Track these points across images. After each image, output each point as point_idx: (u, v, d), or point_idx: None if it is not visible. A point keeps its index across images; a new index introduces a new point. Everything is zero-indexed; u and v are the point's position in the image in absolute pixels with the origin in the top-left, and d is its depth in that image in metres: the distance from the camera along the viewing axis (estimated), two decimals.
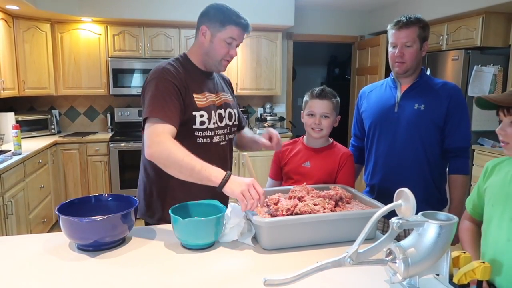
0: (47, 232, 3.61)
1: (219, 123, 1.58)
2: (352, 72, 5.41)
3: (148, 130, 1.36)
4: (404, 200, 0.98)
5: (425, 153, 1.74)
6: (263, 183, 4.78)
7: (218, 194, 1.29)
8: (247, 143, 1.79)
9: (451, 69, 3.68)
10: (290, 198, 1.39)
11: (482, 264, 0.95)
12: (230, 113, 1.64)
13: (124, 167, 4.14)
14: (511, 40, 3.49)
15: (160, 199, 1.55)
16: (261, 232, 1.24)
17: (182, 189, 1.46)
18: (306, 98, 1.81)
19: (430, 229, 0.96)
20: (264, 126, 4.76)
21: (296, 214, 1.26)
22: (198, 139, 1.52)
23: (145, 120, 1.41)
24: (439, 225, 0.95)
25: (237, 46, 1.55)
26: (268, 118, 4.83)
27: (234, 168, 4.41)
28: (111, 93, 4.33)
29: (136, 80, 4.32)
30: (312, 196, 1.40)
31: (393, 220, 0.97)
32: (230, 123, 1.64)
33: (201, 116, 1.50)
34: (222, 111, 1.60)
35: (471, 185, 3.05)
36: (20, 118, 4.02)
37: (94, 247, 1.21)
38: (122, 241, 1.27)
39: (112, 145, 4.12)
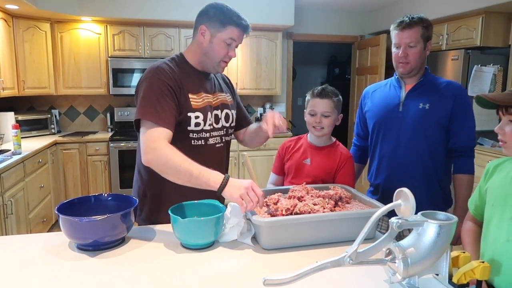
0: (47, 231, 3.61)
1: (215, 125, 1.54)
2: (352, 72, 5.41)
3: (144, 136, 1.35)
4: (404, 200, 0.98)
5: (430, 152, 1.73)
6: (263, 183, 4.78)
7: (212, 196, 1.29)
8: (252, 135, 1.73)
9: (451, 69, 3.68)
10: (289, 198, 1.39)
11: (481, 264, 0.95)
12: (227, 114, 1.60)
13: (123, 167, 4.14)
14: (511, 40, 3.49)
15: (154, 202, 1.52)
16: (260, 232, 1.24)
17: (176, 192, 1.41)
18: (308, 97, 1.82)
19: (429, 229, 0.96)
20: None
21: (296, 214, 1.26)
22: (192, 141, 1.49)
23: (137, 121, 1.39)
24: (438, 225, 0.95)
25: (236, 47, 1.52)
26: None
27: (234, 168, 4.41)
28: (111, 93, 4.33)
29: (136, 80, 4.32)
30: (311, 196, 1.40)
31: (393, 220, 0.97)
32: (227, 125, 1.60)
33: (196, 117, 1.47)
34: (218, 112, 1.56)
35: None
36: (20, 117, 4.02)
37: (94, 247, 1.21)
38: (121, 241, 1.27)
39: (112, 144, 4.12)
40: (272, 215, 1.27)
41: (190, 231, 1.21)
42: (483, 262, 0.96)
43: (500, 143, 1.18)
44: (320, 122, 1.74)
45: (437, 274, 1.01)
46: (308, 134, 1.87)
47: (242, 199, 1.22)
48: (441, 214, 1.00)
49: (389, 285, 1.02)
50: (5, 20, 3.60)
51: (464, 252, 1.02)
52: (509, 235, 1.12)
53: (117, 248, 1.23)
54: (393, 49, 1.76)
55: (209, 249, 1.24)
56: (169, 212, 1.24)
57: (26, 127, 4.06)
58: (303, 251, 1.22)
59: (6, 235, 2.74)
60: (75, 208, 1.29)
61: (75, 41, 4.22)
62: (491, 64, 3.59)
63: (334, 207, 1.35)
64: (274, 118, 1.47)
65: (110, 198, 1.39)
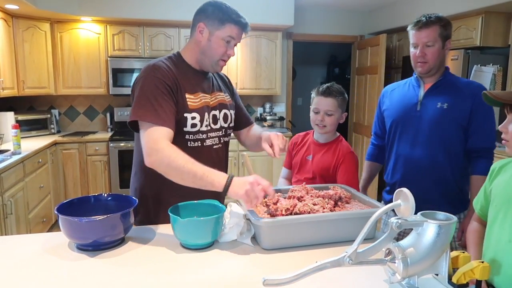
0: (47, 231, 3.61)
1: (212, 125, 1.52)
2: (352, 71, 5.41)
3: (144, 137, 1.33)
4: (403, 200, 0.98)
5: (447, 152, 1.72)
6: None
7: (211, 196, 1.28)
8: (252, 142, 1.71)
9: (451, 69, 3.66)
10: (289, 198, 1.39)
11: (481, 264, 0.95)
12: (225, 114, 1.58)
13: (123, 167, 4.13)
14: (510, 40, 3.49)
15: (151, 204, 1.51)
16: (260, 232, 1.24)
17: (173, 193, 1.40)
18: (313, 94, 1.84)
19: (429, 229, 0.96)
20: (264, 126, 4.76)
21: (296, 214, 1.26)
22: (188, 142, 1.46)
23: (134, 122, 1.37)
24: (438, 225, 0.95)
25: (235, 45, 1.50)
26: (268, 117, 4.83)
27: (234, 168, 4.41)
28: (110, 93, 4.33)
29: None
30: (311, 196, 1.40)
31: (392, 220, 0.97)
32: (226, 125, 1.58)
33: (193, 118, 1.44)
34: (216, 112, 1.54)
35: None
36: (20, 117, 4.02)
37: (94, 247, 1.21)
38: (121, 241, 1.27)
39: (111, 144, 4.12)
40: (272, 215, 1.27)
41: (190, 231, 1.21)
42: (482, 262, 0.96)
43: (503, 141, 1.17)
44: (323, 120, 1.76)
45: (437, 274, 1.01)
46: (314, 131, 1.89)
47: (248, 196, 1.20)
48: (441, 214, 1.00)
49: (389, 285, 1.02)
50: (5, 20, 3.60)
51: (463, 252, 1.02)
52: (511, 235, 1.12)
53: (117, 248, 1.23)
54: (411, 49, 1.76)
55: (209, 249, 1.24)
56: (169, 212, 1.24)
57: (26, 127, 4.06)
58: (303, 251, 1.22)
59: (5, 235, 2.74)
60: (75, 208, 1.29)
61: (75, 41, 4.22)
62: (491, 64, 3.59)
63: (334, 207, 1.35)
64: (279, 141, 1.48)
65: (109, 198, 1.39)
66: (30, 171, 3.29)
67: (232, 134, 1.68)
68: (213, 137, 1.53)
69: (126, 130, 4.44)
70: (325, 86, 1.79)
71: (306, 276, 0.93)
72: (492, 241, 1.20)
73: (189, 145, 1.46)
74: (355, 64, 5.27)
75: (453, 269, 1.00)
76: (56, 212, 1.20)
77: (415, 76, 1.83)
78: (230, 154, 1.72)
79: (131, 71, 4.30)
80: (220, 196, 1.29)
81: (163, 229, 1.38)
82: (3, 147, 3.40)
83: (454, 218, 0.98)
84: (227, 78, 1.73)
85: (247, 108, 5.01)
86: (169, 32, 4.38)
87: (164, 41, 4.38)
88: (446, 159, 1.72)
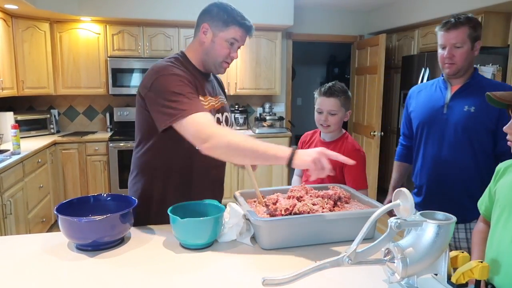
0: (46, 231, 3.61)
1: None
2: (351, 71, 5.41)
3: (190, 128, 1.27)
4: (402, 200, 0.99)
5: (475, 157, 1.70)
6: (263, 184, 4.80)
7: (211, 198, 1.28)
8: None
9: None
10: (289, 197, 1.39)
11: (480, 264, 0.95)
12: (226, 117, 1.59)
13: (123, 167, 4.13)
14: (509, 40, 3.49)
15: (153, 205, 1.49)
16: (260, 232, 1.24)
17: (176, 195, 1.41)
18: (316, 94, 1.86)
19: (428, 229, 0.96)
20: (263, 126, 4.76)
21: (295, 213, 1.26)
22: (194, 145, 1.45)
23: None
24: (437, 225, 0.95)
25: (239, 48, 1.49)
26: (268, 117, 4.83)
27: (233, 169, 4.41)
28: (110, 93, 4.33)
29: (135, 80, 4.32)
30: (311, 195, 1.40)
31: (392, 220, 0.97)
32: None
33: None
34: (220, 115, 1.55)
35: None
36: (19, 117, 4.01)
37: (93, 247, 1.21)
38: (121, 241, 1.27)
39: (111, 144, 4.11)
40: (271, 215, 1.27)
41: (189, 231, 1.21)
42: (481, 262, 0.96)
43: (509, 142, 1.17)
44: (327, 120, 1.78)
45: (436, 274, 1.01)
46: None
47: (315, 164, 1.15)
48: (440, 214, 1.00)
49: (388, 285, 1.02)
50: (4, 20, 3.59)
51: (462, 252, 1.02)
52: None
53: (116, 248, 1.23)
54: (439, 50, 1.74)
55: (208, 249, 1.24)
56: (168, 212, 1.24)
57: (25, 127, 4.05)
58: (302, 251, 1.22)
59: (5, 235, 2.74)
60: (74, 208, 1.29)
61: (74, 41, 4.22)
62: (490, 64, 3.59)
63: (333, 207, 1.35)
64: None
65: (109, 198, 1.39)
66: (29, 171, 3.29)
67: None
68: None
69: (126, 130, 4.46)
70: (327, 86, 1.80)
71: (306, 276, 0.93)
72: (494, 242, 1.20)
73: (193, 148, 1.44)
74: (354, 64, 5.27)
75: (453, 269, 1.00)
76: (55, 212, 1.20)
77: (442, 78, 1.81)
78: None
79: (131, 71, 4.30)
80: (219, 196, 1.29)
81: (163, 229, 1.38)
82: (2, 147, 3.40)
83: (453, 218, 0.98)
84: (220, 79, 1.73)
85: (246, 108, 5.02)
86: (169, 32, 4.38)
87: (164, 41, 4.38)
88: (473, 162, 1.70)
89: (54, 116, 4.40)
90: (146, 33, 4.34)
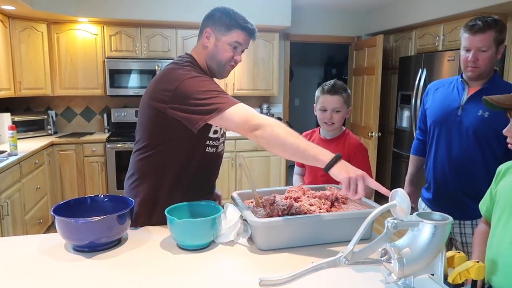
0: (43, 233, 3.60)
1: (222, 132, 1.55)
2: (349, 72, 5.42)
3: (238, 117, 1.27)
4: (399, 200, 0.99)
5: (484, 158, 1.70)
6: (260, 184, 4.79)
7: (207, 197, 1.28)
8: None
9: (447, 70, 3.69)
10: (286, 198, 1.39)
11: (476, 264, 0.95)
12: None
13: (120, 168, 4.13)
14: (507, 41, 3.51)
15: (153, 209, 1.48)
16: (257, 233, 1.24)
17: (170, 199, 1.40)
18: (318, 93, 1.87)
19: (424, 229, 0.97)
20: None
21: (292, 214, 1.26)
22: (207, 148, 1.47)
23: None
24: (433, 225, 0.96)
25: (242, 52, 1.50)
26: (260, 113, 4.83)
27: (231, 169, 4.41)
28: (107, 94, 4.32)
29: (133, 81, 4.32)
30: (308, 196, 1.41)
31: (388, 220, 0.98)
32: (225, 132, 1.60)
33: (216, 125, 1.43)
34: None
35: None
36: (16, 118, 4.00)
37: (90, 248, 1.20)
38: (118, 242, 1.27)
39: (108, 145, 4.11)
40: (269, 216, 1.27)
41: (187, 232, 1.21)
42: (478, 262, 0.96)
43: (510, 145, 1.16)
44: (331, 117, 1.80)
45: (433, 274, 1.01)
46: (320, 128, 1.93)
47: (348, 183, 1.14)
48: (436, 215, 1.00)
49: (385, 285, 1.02)
50: (2, 21, 3.59)
51: (459, 252, 1.02)
52: None
53: (113, 249, 1.23)
54: (462, 52, 1.71)
55: (206, 250, 1.23)
56: (165, 212, 1.24)
57: (23, 128, 4.05)
58: (299, 252, 1.22)
59: (1, 236, 2.73)
60: (71, 209, 1.29)
61: (72, 42, 4.21)
62: None
63: (330, 207, 1.36)
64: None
65: (106, 199, 1.39)
66: (26, 172, 3.28)
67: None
68: (222, 143, 1.56)
69: (123, 131, 4.46)
70: (330, 84, 1.82)
71: (302, 277, 0.93)
72: (494, 243, 1.20)
73: (207, 150, 1.48)
74: (352, 65, 5.28)
75: (449, 269, 1.00)
76: (52, 213, 1.20)
77: (461, 78, 1.79)
78: (227, 154, 1.74)
79: (128, 72, 4.29)
80: (212, 197, 1.29)
81: (160, 230, 1.38)
82: None
83: (450, 218, 0.98)
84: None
85: None
86: (166, 33, 4.37)
87: (161, 42, 4.38)
88: (482, 162, 1.71)
89: (52, 117, 4.39)
90: (143, 34, 4.33)
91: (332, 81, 1.85)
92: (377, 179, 4.87)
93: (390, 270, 0.97)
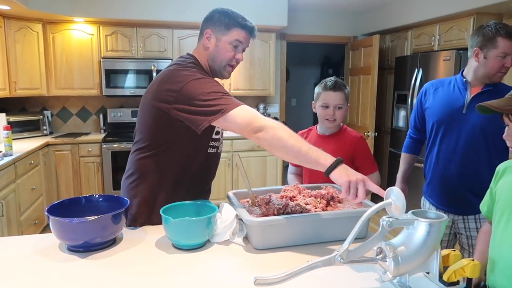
0: (39, 233, 3.58)
1: (222, 133, 1.56)
2: (345, 72, 5.43)
3: (242, 118, 1.28)
4: (394, 198, 0.99)
5: (488, 152, 1.75)
6: (257, 184, 4.79)
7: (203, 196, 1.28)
8: None
9: (443, 69, 3.70)
10: (281, 197, 1.38)
11: (471, 262, 0.96)
12: None
13: (117, 168, 4.11)
14: None
15: (153, 209, 1.46)
16: (252, 232, 1.24)
17: (171, 199, 1.39)
18: (318, 89, 1.86)
19: (420, 228, 0.97)
20: None
21: (288, 213, 1.26)
22: (209, 148, 1.49)
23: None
24: (428, 223, 0.96)
25: (243, 50, 1.50)
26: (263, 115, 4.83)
27: (227, 169, 4.41)
28: (103, 94, 4.30)
29: (129, 81, 4.30)
30: (303, 195, 1.40)
31: (383, 218, 0.98)
32: (223, 132, 1.61)
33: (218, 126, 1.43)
34: None
35: None
36: (12, 119, 3.98)
37: (85, 248, 1.20)
38: (112, 242, 1.26)
39: (104, 146, 4.09)
40: (264, 215, 1.27)
41: (182, 232, 1.21)
42: (473, 260, 0.96)
43: (511, 149, 1.16)
44: (334, 114, 1.80)
45: (428, 272, 1.01)
46: (318, 126, 1.93)
47: (349, 187, 1.14)
48: (431, 213, 1.00)
49: (380, 284, 1.02)
50: None
51: (454, 250, 1.02)
52: None
53: (108, 249, 1.22)
54: (497, 57, 1.72)
55: (201, 249, 1.23)
56: (160, 212, 1.24)
57: (18, 128, 4.03)
58: (295, 251, 1.22)
59: None
60: (66, 209, 1.28)
61: (68, 42, 4.19)
62: None
63: (326, 206, 1.36)
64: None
65: (101, 199, 1.38)
66: (22, 173, 3.26)
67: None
68: (221, 143, 1.58)
69: (120, 131, 4.45)
70: (332, 80, 1.82)
71: (298, 275, 0.93)
72: (496, 244, 1.20)
73: (208, 151, 1.49)
74: (348, 65, 5.29)
75: (444, 267, 1.00)
76: (46, 213, 1.19)
77: (464, 79, 1.85)
78: (223, 155, 1.74)
79: (124, 72, 4.28)
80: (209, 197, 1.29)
81: (155, 229, 1.38)
82: None
83: (445, 217, 0.98)
84: None
85: None
86: (162, 33, 4.37)
87: (158, 42, 4.37)
88: (486, 156, 1.76)
89: (47, 117, 4.37)
90: (139, 34, 4.32)
91: (332, 78, 1.85)
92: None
93: (386, 269, 0.97)
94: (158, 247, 1.24)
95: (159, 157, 1.44)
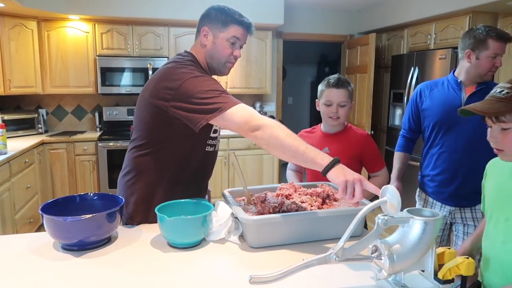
0: (34, 232, 3.56)
1: (219, 131, 1.55)
2: (341, 71, 5.43)
3: (240, 117, 1.27)
4: (389, 197, 0.99)
5: (490, 155, 1.78)
6: (253, 182, 4.78)
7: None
8: None
9: (439, 68, 3.71)
10: (277, 196, 1.38)
11: (466, 260, 0.96)
12: None
13: (112, 167, 4.10)
14: None
15: (151, 206, 1.44)
16: (248, 230, 1.23)
17: (168, 197, 1.39)
18: (322, 87, 1.85)
19: (415, 226, 0.97)
20: None
21: (283, 211, 1.25)
22: (207, 147, 1.49)
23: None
24: (423, 221, 0.96)
25: (241, 47, 1.50)
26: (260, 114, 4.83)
27: (224, 167, 4.40)
28: (99, 92, 4.28)
29: (125, 79, 4.28)
30: (299, 193, 1.40)
31: (379, 216, 0.97)
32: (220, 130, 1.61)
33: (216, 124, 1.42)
34: None
35: None
36: (6, 117, 3.95)
37: (79, 247, 1.19)
38: (107, 241, 1.25)
39: (100, 144, 4.07)
40: (260, 213, 1.27)
41: (177, 230, 1.20)
42: (467, 258, 0.97)
43: (496, 151, 1.15)
44: (337, 112, 1.78)
45: (423, 270, 1.02)
46: (322, 124, 1.91)
47: (346, 186, 1.13)
48: (427, 211, 1.00)
49: (376, 282, 1.02)
50: None
51: (449, 248, 1.03)
52: (505, 236, 1.13)
53: (103, 248, 1.22)
54: (489, 58, 1.84)
55: (196, 248, 1.23)
56: (156, 210, 1.23)
57: (13, 126, 4.00)
58: (290, 249, 1.22)
59: None
60: (60, 207, 1.27)
61: (63, 40, 4.17)
62: None
63: (322, 204, 1.35)
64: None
65: (95, 197, 1.38)
66: (16, 171, 3.24)
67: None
68: (218, 141, 1.57)
69: (115, 130, 4.43)
70: (335, 78, 1.81)
71: (293, 274, 0.93)
72: (488, 241, 1.21)
73: (206, 149, 1.49)
74: (345, 64, 5.29)
75: (439, 265, 1.01)
76: (40, 212, 1.18)
77: (457, 79, 1.94)
78: (220, 153, 1.73)
79: (120, 70, 4.26)
80: (206, 195, 1.28)
81: (150, 228, 1.37)
82: None
83: (440, 215, 0.98)
84: None
85: None
86: (158, 31, 4.35)
87: (153, 40, 4.35)
88: (487, 150, 1.81)
89: (42, 115, 4.34)
90: (135, 32, 4.30)
91: (336, 75, 1.84)
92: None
93: (381, 267, 0.97)
94: (153, 246, 1.24)
95: (156, 155, 1.44)
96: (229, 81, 4.64)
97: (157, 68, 1.48)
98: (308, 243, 1.26)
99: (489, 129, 1.14)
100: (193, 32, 1.56)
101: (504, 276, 1.12)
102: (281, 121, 5.18)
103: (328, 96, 1.80)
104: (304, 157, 1.21)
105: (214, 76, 1.52)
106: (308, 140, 1.85)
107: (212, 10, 1.47)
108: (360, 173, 1.74)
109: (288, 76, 6.84)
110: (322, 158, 1.19)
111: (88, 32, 4.22)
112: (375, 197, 1.05)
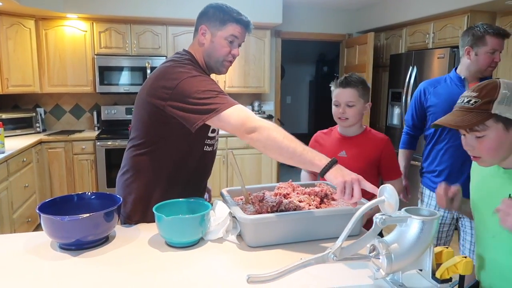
0: (32, 232, 3.55)
1: (217, 131, 1.54)
2: (340, 70, 5.43)
3: (236, 119, 1.27)
4: (387, 196, 0.99)
5: None
6: (251, 182, 4.78)
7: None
8: None
9: (437, 67, 3.72)
10: (275, 195, 1.38)
11: (464, 259, 0.96)
12: None
13: (110, 166, 4.09)
14: None
15: (149, 205, 1.44)
16: (245, 229, 1.23)
17: (166, 197, 1.39)
18: (332, 87, 1.80)
19: (413, 225, 0.97)
20: None
21: (281, 211, 1.25)
22: (205, 147, 1.48)
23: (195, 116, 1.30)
24: (421, 221, 0.96)
25: (239, 45, 1.49)
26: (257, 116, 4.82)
27: (222, 166, 4.39)
28: (97, 91, 4.27)
29: (124, 78, 4.28)
30: (297, 193, 1.40)
31: (377, 216, 0.98)
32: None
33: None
34: None
35: None
36: (4, 116, 3.94)
37: (76, 246, 1.19)
38: (105, 240, 1.25)
39: (98, 143, 4.07)
40: (258, 212, 1.26)
41: (175, 229, 1.20)
42: (465, 257, 0.97)
43: (473, 158, 1.15)
44: (344, 112, 1.72)
45: (421, 270, 1.02)
46: (338, 126, 1.86)
47: (344, 187, 1.13)
48: (424, 210, 1.00)
49: (373, 281, 1.02)
50: None
51: (447, 248, 1.03)
52: (494, 231, 1.13)
53: (100, 247, 1.21)
54: (488, 53, 1.90)
55: (194, 247, 1.22)
56: (154, 210, 1.23)
57: (11, 125, 3.99)
58: (288, 248, 1.22)
59: None
60: (58, 207, 1.27)
61: (61, 39, 4.15)
62: None
63: (320, 204, 1.35)
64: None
65: (93, 196, 1.37)
66: (14, 171, 3.23)
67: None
68: (216, 141, 1.57)
69: (114, 129, 4.42)
70: (343, 77, 1.76)
71: (291, 273, 0.93)
72: (479, 238, 1.22)
73: (204, 149, 1.49)
74: (343, 63, 5.29)
75: (437, 264, 1.01)
76: (37, 211, 1.18)
77: (459, 76, 1.99)
78: (218, 152, 1.72)
79: (118, 69, 4.25)
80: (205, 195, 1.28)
81: (148, 227, 1.37)
82: None
83: (438, 214, 0.98)
84: None
85: None
86: (157, 29, 4.34)
87: (152, 38, 4.34)
88: None
89: (40, 114, 4.33)
90: (133, 31, 4.29)
91: (347, 74, 1.77)
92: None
93: (379, 266, 0.97)
94: (151, 245, 1.23)
95: (154, 154, 1.43)
96: (228, 80, 4.64)
97: (155, 67, 1.47)
98: (306, 242, 1.26)
99: (462, 137, 1.14)
100: (191, 31, 1.55)
101: (495, 270, 1.12)
102: (280, 121, 5.18)
103: (335, 96, 1.76)
104: (302, 158, 1.20)
105: (212, 75, 1.51)
106: (323, 142, 1.85)
107: (210, 9, 1.46)
108: (377, 180, 1.74)
109: (286, 75, 6.84)
110: (319, 159, 1.19)
111: (86, 31, 4.20)
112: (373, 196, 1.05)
